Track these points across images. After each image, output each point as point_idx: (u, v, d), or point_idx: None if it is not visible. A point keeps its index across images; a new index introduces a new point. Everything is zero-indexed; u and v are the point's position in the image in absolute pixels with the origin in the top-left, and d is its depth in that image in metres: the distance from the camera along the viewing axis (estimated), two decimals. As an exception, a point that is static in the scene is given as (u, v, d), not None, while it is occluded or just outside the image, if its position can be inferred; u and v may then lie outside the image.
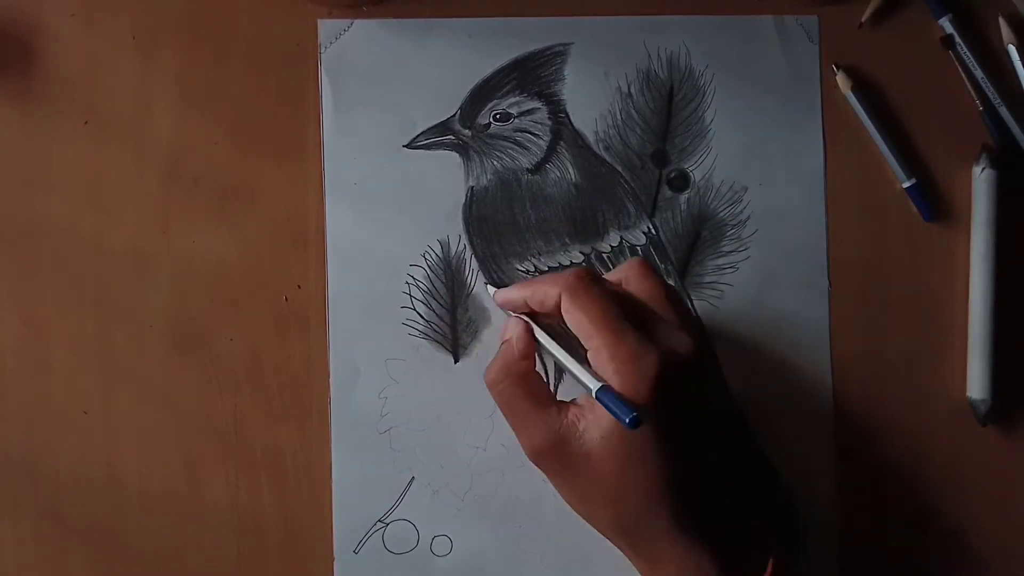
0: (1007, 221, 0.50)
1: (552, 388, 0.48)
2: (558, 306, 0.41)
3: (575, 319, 0.40)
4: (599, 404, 0.38)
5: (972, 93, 0.51)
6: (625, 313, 0.40)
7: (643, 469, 0.39)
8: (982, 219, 0.50)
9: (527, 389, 0.42)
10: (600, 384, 0.37)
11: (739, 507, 0.42)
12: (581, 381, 0.39)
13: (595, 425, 0.39)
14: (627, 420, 0.36)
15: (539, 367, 0.45)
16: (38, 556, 0.48)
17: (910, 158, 0.51)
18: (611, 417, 0.38)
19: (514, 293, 0.44)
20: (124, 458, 0.48)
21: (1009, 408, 0.50)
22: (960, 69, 0.51)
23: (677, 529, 0.39)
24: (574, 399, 0.42)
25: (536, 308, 0.42)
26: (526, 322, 0.43)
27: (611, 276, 0.43)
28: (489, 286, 0.49)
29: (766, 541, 0.42)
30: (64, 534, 0.48)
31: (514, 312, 0.45)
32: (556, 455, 0.40)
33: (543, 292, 0.41)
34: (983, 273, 0.50)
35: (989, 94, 0.51)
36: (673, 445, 0.39)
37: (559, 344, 0.41)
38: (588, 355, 0.39)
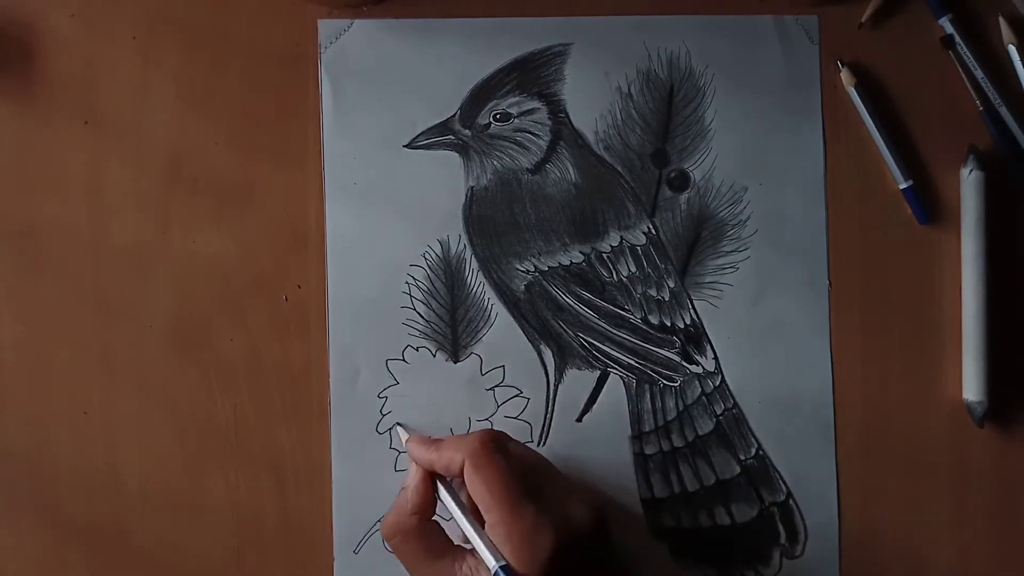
0: (998, 223, 0.50)
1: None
2: (462, 470, 0.41)
3: (476, 490, 0.40)
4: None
5: (972, 93, 0.51)
6: (528, 480, 0.40)
7: None
8: (971, 221, 0.50)
9: (420, 543, 0.42)
10: (499, 563, 0.38)
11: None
12: (480, 555, 0.39)
13: None
14: None
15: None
16: (38, 556, 0.48)
17: (909, 159, 0.51)
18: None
19: (422, 452, 0.43)
20: (124, 458, 0.48)
21: (1006, 410, 0.50)
22: (960, 69, 0.51)
23: None
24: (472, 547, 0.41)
25: (441, 472, 0.42)
26: (426, 474, 0.43)
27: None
28: (401, 430, 0.48)
29: None
30: (64, 534, 0.48)
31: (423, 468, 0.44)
32: None
33: (448, 457, 0.41)
34: (974, 275, 0.50)
35: (989, 94, 0.51)
36: None
37: (464, 512, 0.41)
38: (487, 528, 0.40)
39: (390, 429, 0.49)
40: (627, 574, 0.46)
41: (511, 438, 0.44)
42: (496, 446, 0.41)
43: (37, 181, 0.49)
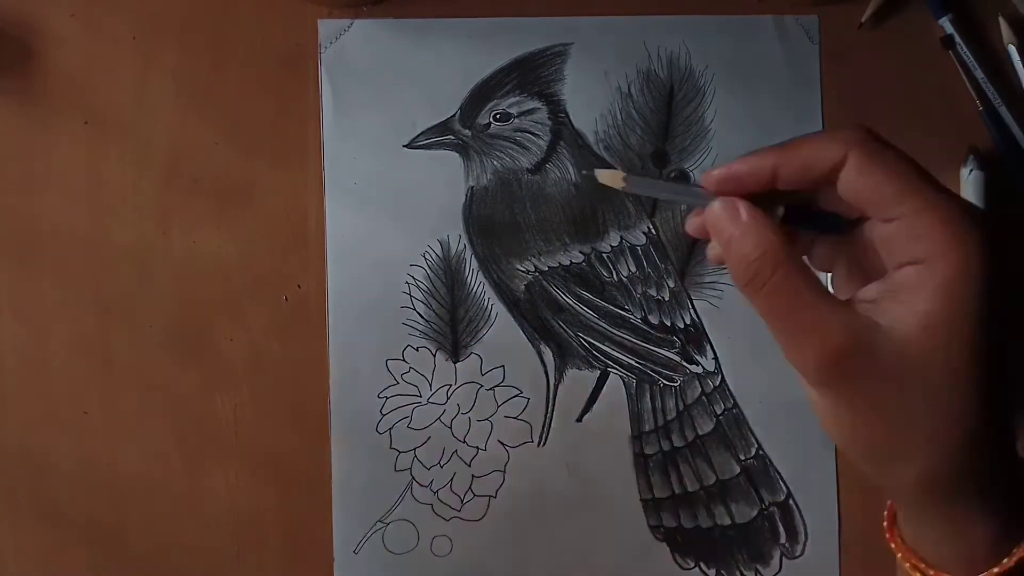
0: (997, 222, 0.50)
1: None
2: (830, 173, 0.29)
3: (875, 183, 0.28)
4: (909, 288, 0.27)
5: (972, 93, 0.51)
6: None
7: (983, 367, 0.27)
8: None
9: (806, 279, 0.29)
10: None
11: None
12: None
13: (909, 313, 0.27)
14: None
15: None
16: (38, 555, 0.48)
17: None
18: (931, 301, 0.27)
19: (756, 159, 0.30)
20: (124, 458, 0.48)
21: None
22: (960, 69, 0.51)
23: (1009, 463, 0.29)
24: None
25: (794, 180, 0.29)
26: (747, 207, 0.30)
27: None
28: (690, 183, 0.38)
29: None
30: (64, 533, 0.48)
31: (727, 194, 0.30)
32: (857, 363, 0.28)
33: (808, 154, 0.29)
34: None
35: (989, 94, 0.51)
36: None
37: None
38: (895, 225, 0.28)
39: (390, 429, 0.49)
40: None
41: None
42: (881, 137, 0.29)
43: (37, 181, 0.49)
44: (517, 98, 0.50)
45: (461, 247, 0.50)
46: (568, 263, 0.50)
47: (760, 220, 0.29)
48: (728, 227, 0.30)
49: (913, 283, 0.28)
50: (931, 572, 0.31)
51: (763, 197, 0.30)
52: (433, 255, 0.50)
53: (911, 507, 0.31)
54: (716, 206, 0.30)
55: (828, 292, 0.29)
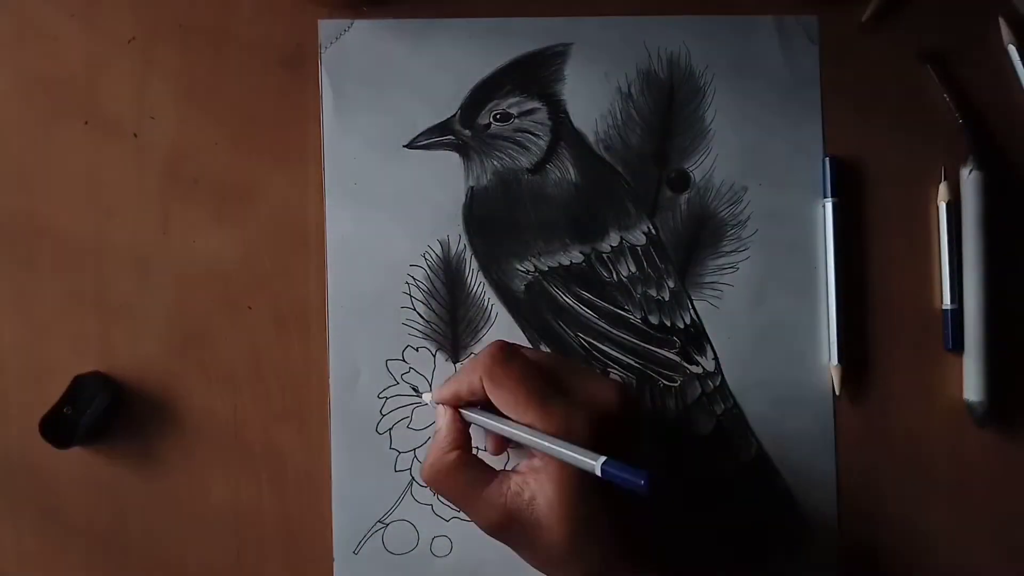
0: (998, 222, 0.50)
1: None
2: (484, 391, 0.41)
3: (501, 399, 0.40)
4: (539, 471, 0.39)
5: (952, 108, 0.51)
6: (548, 378, 0.41)
7: (596, 528, 0.39)
8: (971, 220, 0.50)
9: (463, 476, 0.41)
10: (602, 459, 0.36)
11: (702, 541, 0.44)
12: (577, 459, 0.37)
13: (540, 493, 0.39)
14: (642, 483, 0.34)
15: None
16: (38, 556, 0.48)
17: (909, 158, 0.51)
18: (554, 482, 0.38)
19: (443, 390, 0.43)
20: (124, 458, 0.48)
21: (1006, 410, 0.50)
22: (941, 85, 0.51)
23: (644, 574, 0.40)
24: (515, 466, 0.41)
25: (467, 396, 0.42)
26: (453, 410, 0.43)
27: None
28: (424, 394, 0.48)
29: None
30: (64, 534, 0.48)
31: (450, 406, 0.43)
32: (509, 528, 0.40)
33: (467, 381, 0.41)
34: (975, 275, 0.50)
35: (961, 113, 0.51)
36: (620, 499, 0.38)
37: (511, 426, 0.40)
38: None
39: (390, 429, 0.49)
40: (675, 435, 0.46)
41: (521, 345, 0.43)
42: (508, 353, 0.41)
43: (37, 181, 0.49)
44: (517, 98, 0.50)
45: (461, 247, 0.50)
46: (568, 263, 0.50)
47: (440, 438, 0.42)
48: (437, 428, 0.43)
49: (541, 468, 0.39)
50: None
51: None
52: (433, 255, 0.50)
53: None
54: (437, 411, 0.43)
55: (484, 479, 0.40)
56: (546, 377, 0.41)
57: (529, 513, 0.39)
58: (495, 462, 0.43)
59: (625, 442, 0.40)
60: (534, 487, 0.39)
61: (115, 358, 0.48)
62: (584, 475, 0.37)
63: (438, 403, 0.43)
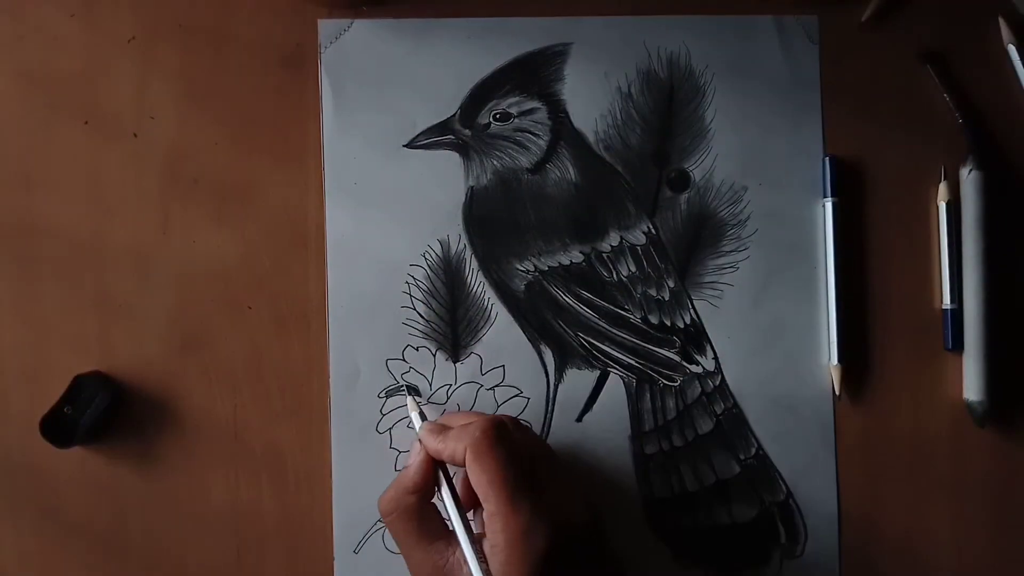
0: (998, 222, 0.50)
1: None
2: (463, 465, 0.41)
3: (475, 479, 0.40)
4: (490, 554, 0.39)
5: (952, 107, 0.51)
6: (529, 469, 0.40)
7: None
8: (971, 220, 0.50)
9: (416, 523, 0.42)
10: None
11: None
12: (466, 560, 0.39)
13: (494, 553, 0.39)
14: None
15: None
16: (38, 556, 0.48)
17: (909, 158, 0.51)
18: (502, 551, 0.38)
19: (431, 440, 0.43)
20: (124, 458, 0.48)
21: (1006, 410, 0.50)
22: (940, 85, 0.51)
23: None
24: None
25: (448, 461, 0.42)
26: (429, 457, 0.43)
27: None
28: (415, 416, 0.47)
29: None
30: (64, 534, 0.48)
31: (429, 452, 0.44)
32: None
33: (452, 448, 0.41)
34: (975, 274, 0.50)
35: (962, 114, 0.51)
36: None
37: (459, 512, 0.41)
38: (484, 516, 0.40)
39: (390, 429, 0.49)
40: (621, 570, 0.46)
41: (519, 422, 0.44)
42: (498, 435, 0.41)
43: (37, 181, 0.49)
44: (517, 98, 0.50)
45: (461, 247, 0.50)
46: (568, 263, 0.50)
47: (407, 475, 0.42)
48: (408, 460, 0.44)
49: (490, 553, 0.39)
50: None
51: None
52: (433, 255, 0.50)
53: None
54: (414, 448, 0.44)
55: (433, 534, 0.42)
56: (529, 468, 0.41)
57: None
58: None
59: (580, 565, 0.40)
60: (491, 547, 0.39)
61: (115, 358, 0.48)
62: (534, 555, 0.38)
63: (420, 442, 0.43)
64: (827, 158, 0.51)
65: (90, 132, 0.49)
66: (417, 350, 0.49)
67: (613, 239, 0.50)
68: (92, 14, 0.49)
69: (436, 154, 0.50)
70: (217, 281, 0.49)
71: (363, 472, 0.49)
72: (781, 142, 0.51)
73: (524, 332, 0.50)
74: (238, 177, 0.49)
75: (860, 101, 0.51)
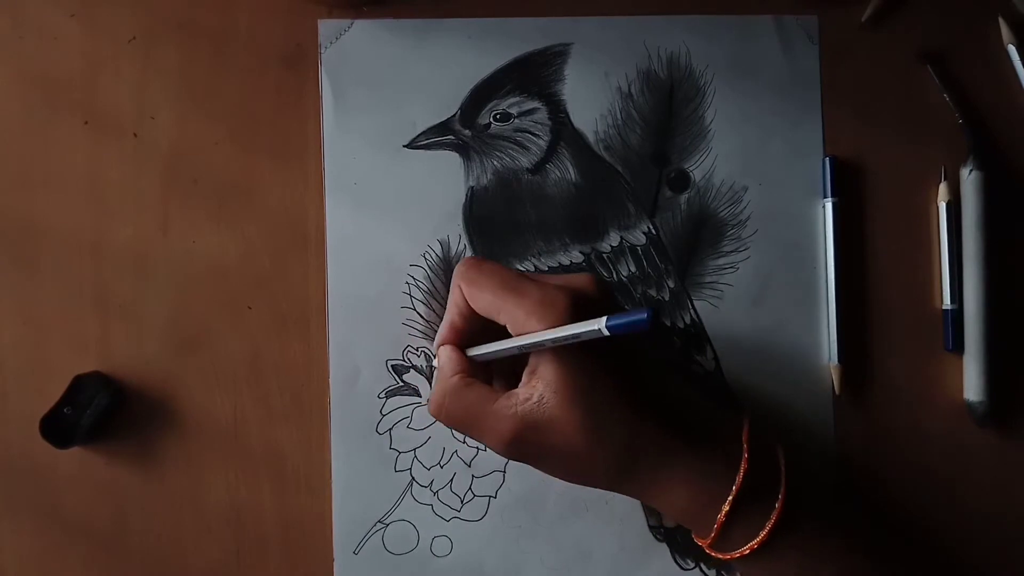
0: (998, 222, 0.50)
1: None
2: (470, 314, 0.42)
3: (481, 302, 0.40)
4: (538, 371, 0.39)
5: (952, 107, 0.51)
6: (516, 274, 0.41)
7: (606, 399, 0.39)
8: (971, 220, 0.50)
9: (470, 395, 0.42)
10: (603, 319, 0.35)
11: (702, 395, 0.45)
12: (580, 332, 0.36)
13: (546, 388, 0.39)
14: (645, 316, 0.33)
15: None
16: (38, 556, 0.48)
17: (909, 158, 0.51)
18: (554, 374, 0.39)
19: (440, 329, 0.44)
20: (124, 457, 0.48)
21: (1006, 410, 0.50)
22: (941, 86, 0.51)
23: (669, 443, 0.40)
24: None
25: (461, 323, 0.43)
26: (450, 346, 0.43)
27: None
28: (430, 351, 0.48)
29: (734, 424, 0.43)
30: (64, 534, 0.48)
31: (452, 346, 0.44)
32: (524, 438, 0.40)
33: (453, 305, 0.42)
34: (975, 274, 0.50)
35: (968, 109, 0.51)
36: (619, 361, 0.40)
37: (508, 342, 0.41)
38: (508, 327, 0.40)
39: (390, 429, 0.49)
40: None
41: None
42: (479, 260, 0.43)
43: (37, 181, 0.49)
44: (517, 98, 0.50)
45: (461, 247, 0.50)
46: (568, 263, 0.50)
47: (442, 370, 0.43)
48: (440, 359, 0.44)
49: (539, 368, 0.40)
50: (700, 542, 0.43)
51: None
52: (433, 255, 0.50)
53: (636, 491, 0.42)
54: (437, 353, 0.44)
55: (491, 397, 0.40)
56: (514, 274, 0.42)
57: (540, 413, 0.39)
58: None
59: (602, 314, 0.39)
60: (539, 387, 0.39)
61: (115, 358, 0.48)
62: (580, 356, 0.38)
63: (438, 347, 0.44)
64: (827, 158, 0.51)
65: (90, 132, 0.49)
66: (417, 350, 0.49)
67: (613, 239, 0.50)
68: (92, 14, 0.49)
69: (436, 154, 0.50)
70: (217, 281, 0.49)
71: (363, 472, 0.49)
72: (781, 142, 0.51)
73: (524, 332, 0.50)
74: (238, 177, 0.49)
75: (860, 101, 0.51)
